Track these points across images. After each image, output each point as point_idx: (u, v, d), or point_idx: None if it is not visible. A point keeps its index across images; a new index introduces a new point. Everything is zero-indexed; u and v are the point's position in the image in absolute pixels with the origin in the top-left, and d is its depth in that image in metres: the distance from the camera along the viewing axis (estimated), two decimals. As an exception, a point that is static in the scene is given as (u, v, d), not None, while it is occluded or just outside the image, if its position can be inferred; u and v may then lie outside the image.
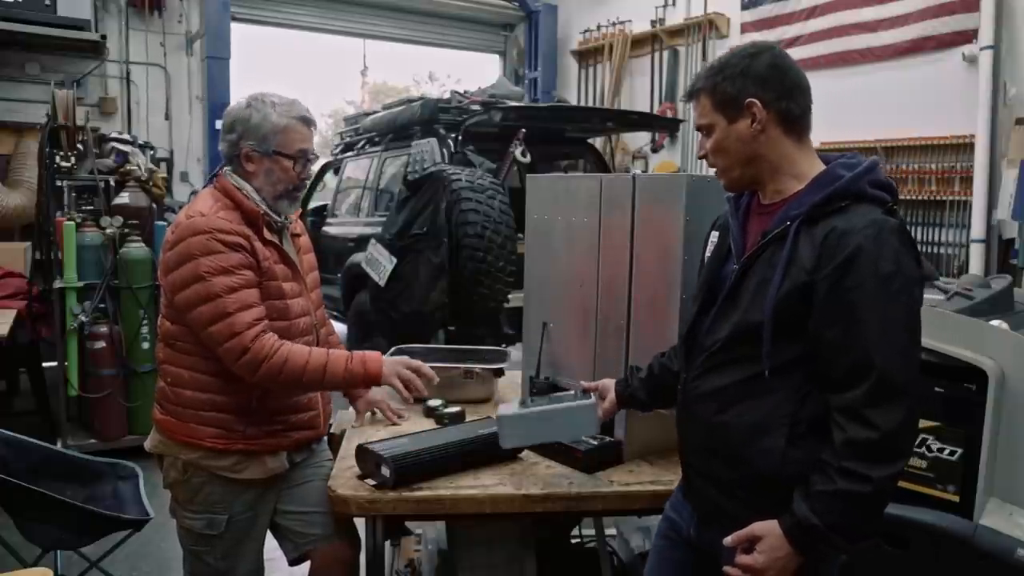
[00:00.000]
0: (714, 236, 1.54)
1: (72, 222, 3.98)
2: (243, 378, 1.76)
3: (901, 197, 5.87)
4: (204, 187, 1.93)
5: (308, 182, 1.98)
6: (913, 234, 6.21)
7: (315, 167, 2.11)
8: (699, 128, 1.44)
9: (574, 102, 8.77)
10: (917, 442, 1.95)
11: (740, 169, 1.40)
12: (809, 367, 1.30)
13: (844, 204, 1.28)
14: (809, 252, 1.27)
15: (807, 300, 1.27)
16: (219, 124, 6.64)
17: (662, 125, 6.96)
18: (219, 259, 1.71)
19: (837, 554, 1.38)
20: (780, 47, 1.44)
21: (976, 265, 5.33)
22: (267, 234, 1.83)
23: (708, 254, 1.54)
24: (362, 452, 1.76)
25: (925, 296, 2.47)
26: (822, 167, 1.37)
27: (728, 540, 1.33)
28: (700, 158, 1.49)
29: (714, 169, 1.45)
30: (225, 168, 1.88)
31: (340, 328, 5.08)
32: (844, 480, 1.22)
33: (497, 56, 10.25)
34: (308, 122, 1.88)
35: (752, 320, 1.33)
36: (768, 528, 1.29)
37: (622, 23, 8.48)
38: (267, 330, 1.75)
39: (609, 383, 1.77)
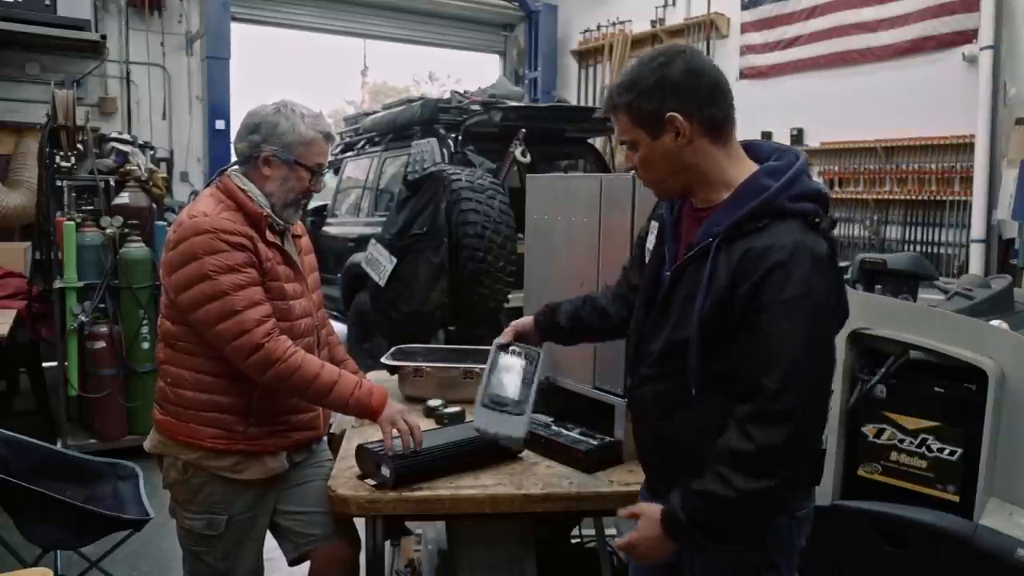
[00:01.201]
0: (654, 226, 1.53)
1: (72, 222, 3.98)
2: (249, 377, 1.75)
3: (901, 197, 5.89)
4: (205, 187, 1.93)
5: (315, 194, 1.99)
6: (914, 234, 6.22)
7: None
8: (622, 143, 1.42)
9: (574, 102, 8.76)
10: (917, 442, 1.96)
11: (669, 180, 1.39)
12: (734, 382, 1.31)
13: (763, 223, 1.27)
14: (726, 272, 1.28)
15: (730, 316, 1.28)
16: (219, 124, 6.62)
17: (662, 125, 6.94)
18: (224, 257, 1.71)
19: (710, 549, 1.36)
20: (690, 50, 1.39)
21: (976, 265, 5.33)
22: (269, 236, 1.84)
23: (649, 247, 1.53)
24: (362, 452, 1.76)
25: (925, 296, 2.48)
26: (752, 168, 1.35)
27: (622, 511, 1.38)
28: (628, 171, 1.48)
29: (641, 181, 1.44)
30: (233, 168, 1.87)
31: (340, 328, 5.10)
32: (713, 482, 1.25)
33: (497, 56, 10.25)
34: (330, 138, 1.91)
35: (681, 337, 1.34)
36: (651, 510, 1.34)
37: (622, 23, 8.47)
38: (278, 330, 1.75)
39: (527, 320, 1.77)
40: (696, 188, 1.38)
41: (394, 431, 1.76)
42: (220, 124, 7.70)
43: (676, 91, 1.31)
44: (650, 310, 1.45)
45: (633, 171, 1.43)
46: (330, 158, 6.95)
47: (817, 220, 1.27)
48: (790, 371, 1.21)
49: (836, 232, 6.34)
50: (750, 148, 1.42)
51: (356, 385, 1.81)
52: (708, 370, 1.32)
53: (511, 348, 1.75)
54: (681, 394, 1.36)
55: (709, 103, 1.33)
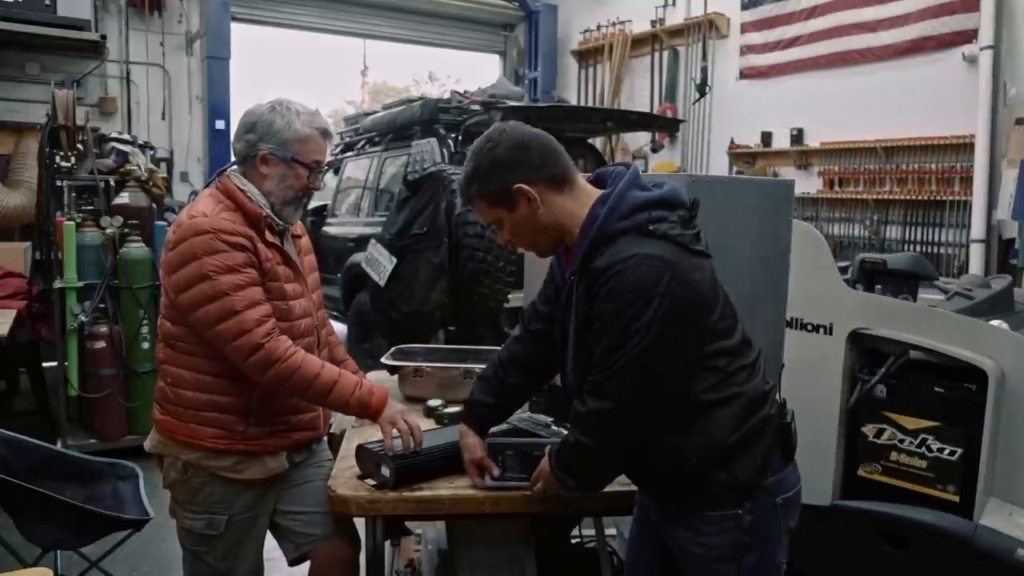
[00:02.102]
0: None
1: (72, 222, 3.98)
2: (249, 377, 1.75)
3: (901, 197, 5.90)
4: (205, 187, 1.92)
5: (315, 192, 1.99)
6: (914, 234, 6.21)
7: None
8: (488, 225, 1.58)
9: (574, 102, 8.77)
10: (917, 442, 1.96)
11: (541, 241, 1.54)
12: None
13: (601, 251, 1.40)
14: (582, 294, 1.42)
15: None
16: (219, 124, 6.62)
17: (662, 125, 6.96)
18: (224, 258, 1.71)
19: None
20: (510, 127, 1.52)
21: (976, 265, 5.33)
22: (269, 236, 1.83)
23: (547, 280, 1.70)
24: (362, 452, 1.76)
25: (925, 296, 2.48)
26: (594, 197, 1.46)
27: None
28: (504, 244, 1.61)
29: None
30: (232, 168, 1.87)
31: (340, 328, 5.10)
32: (569, 433, 1.49)
33: (497, 56, 10.25)
34: (327, 135, 1.89)
35: (578, 371, 1.48)
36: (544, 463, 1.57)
37: (622, 23, 8.48)
38: (278, 330, 1.75)
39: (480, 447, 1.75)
40: (563, 237, 1.51)
41: (394, 431, 1.76)
42: (220, 124, 7.71)
43: (510, 167, 1.46)
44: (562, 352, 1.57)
45: (508, 244, 1.59)
46: (330, 158, 6.97)
47: (651, 227, 1.38)
48: (612, 367, 1.36)
49: (834, 231, 6.23)
50: (598, 178, 1.55)
51: (356, 385, 1.81)
52: None
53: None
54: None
55: (544, 165, 1.47)
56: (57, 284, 3.96)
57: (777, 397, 1.52)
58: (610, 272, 1.35)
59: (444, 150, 4.76)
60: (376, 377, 2.40)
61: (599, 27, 8.78)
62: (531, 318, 1.74)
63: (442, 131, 4.93)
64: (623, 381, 1.37)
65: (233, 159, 1.89)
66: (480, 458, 1.70)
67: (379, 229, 4.75)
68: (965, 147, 5.49)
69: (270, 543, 1.97)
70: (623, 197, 1.42)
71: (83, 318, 3.95)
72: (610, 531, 2.53)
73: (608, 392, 1.39)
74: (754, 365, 1.48)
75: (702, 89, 7.45)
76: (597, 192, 1.48)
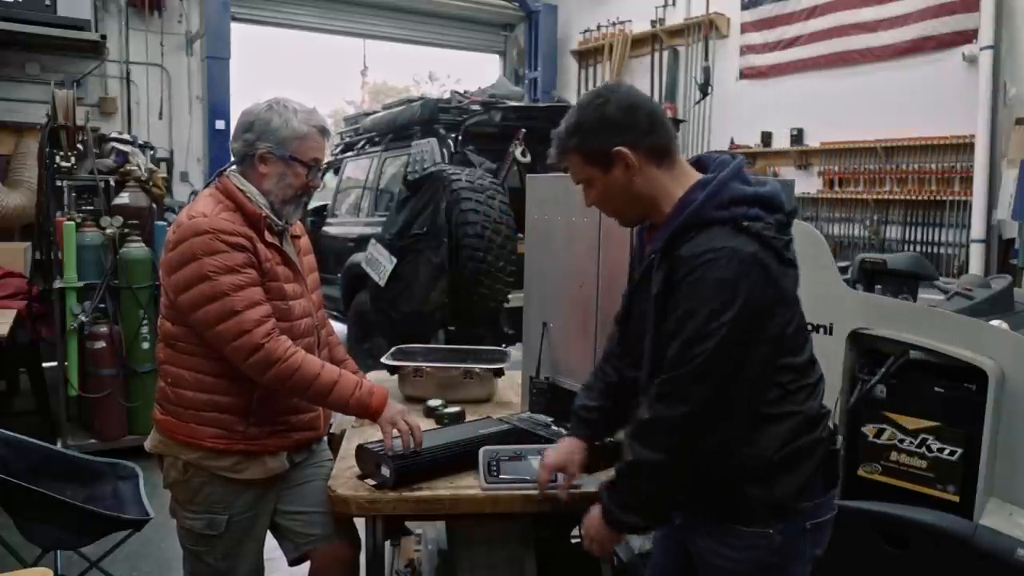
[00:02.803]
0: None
1: (72, 222, 3.98)
2: (249, 377, 1.75)
3: (901, 197, 5.90)
4: (204, 187, 1.92)
5: (315, 190, 1.98)
6: (914, 234, 6.22)
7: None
8: (577, 183, 1.50)
9: (574, 102, 8.74)
10: (917, 442, 1.96)
11: (627, 210, 1.48)
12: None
13: (691, 235, 1.34)
14: (661, 280, 1.37)
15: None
16: (219, 124, 6.62)
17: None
18: (224, 258, 1.71)
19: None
20: (624, 87, 1.49)
21: (976, 265, 5.34)
22: (268, 236, 1.83)
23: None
24: (362, 452, 1.76)
25: (925, 296, 2.48)
26: (694, 179, 1.41)
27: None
28: (588, 206, 1.55)
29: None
30: (231, 169, 1.87)
31: (340, 328, 5.09)
32: (628, 452, 1.39)
33: (497, 56, 10.25)
34: (325, 132, 1.89)
35: (652, 358, 1.42)
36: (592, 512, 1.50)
37: (622, 23, 8.48)
38: (278, 331, 1.75)
39: (571, 453, 1.65)
40: (651, 212, 1.45)
41: (394, 431, 1.76)
42: (220, 124, 7.71)
43: (617, 127, 1.39)
44: (622, 321, 1.54)
45: (592, 206, 1.52)
46: (330, 158, 6.96)
47: (746, 224, 1.32)
48: (689, 360, 1.29)
49: (834, 231, 6.21)
50: (699, 162, 1.49)
51: (356, 385, 1.81)
52: None
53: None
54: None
55: (650, 133, 1.40)
56: (57, 284, 3.96)
57: (830, 424, 1.47)
58: (698, 261, 1.29)
59: (444, 150, 4.76)
60: (376, 377, 2.40)
61: (599, 27, 8.78)
62: (619, 311, 1.68)
63: (442, 131, 4.93)
64: (699, 380, 1.29)
65: (232, 159, 1.89)
66: (556, 463, 1.62)
67: (379, 229, 4.74)
68: (965, 147, 5.49)
69: (270, 543, 1.97)
70: (725, 186, 1.36)
71: (83, 318, 3.95)
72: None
73: (681, 393, 1.31)
74: (815, 386, 1.43)
75: (704, 89, 7.44)
76: (696, 175, 1.42)
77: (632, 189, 1.42)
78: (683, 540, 1.55)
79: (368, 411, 1.82)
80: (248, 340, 1.70)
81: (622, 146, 1.38)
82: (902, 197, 5.94)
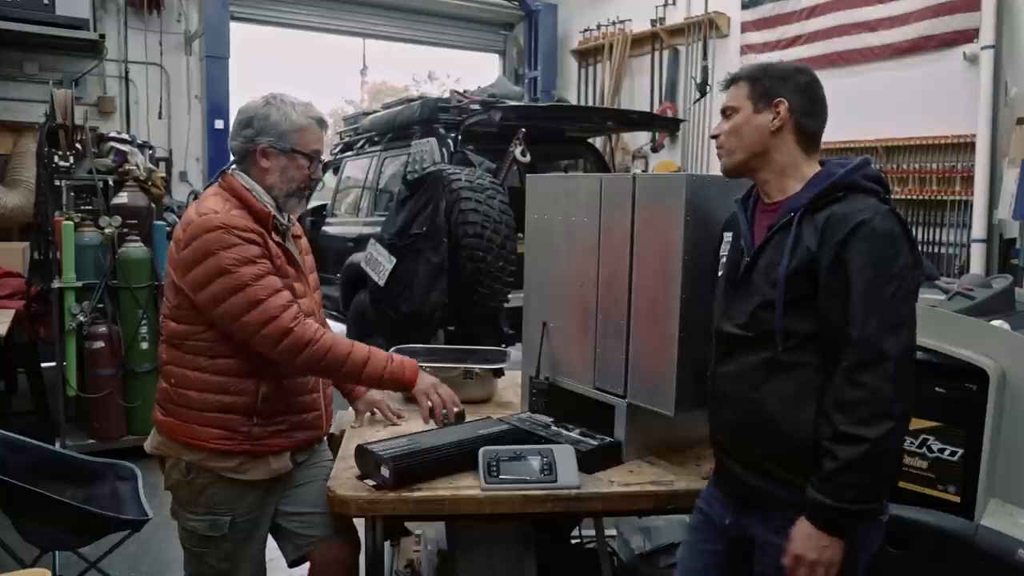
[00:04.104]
0: (727, 236, 1.62)
1: (71, 222, 3.97)
2: (280, 363, 1.77)
3: (902, 197, 5.89)
4: (207, 186, 1.92)
5: (317, 183, 1.99)
6: (914, 234, 6.22)
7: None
8: (723, 110, 1.55)
9: (574, 102, 8.76)
10: (918, 442, 1.95)
11: (744, 156, 1.51)
12: (823, 343, 1.39)
13: (841, 195, 1.41)
14: (812, 235, 1.39)
15: (813, 277, 1.38)
16: (218, 124, 6.63)
17: (662, 125, 6.95)
18: (239, 251, 1.72)
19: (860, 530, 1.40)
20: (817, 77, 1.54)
21: (977, 265, 5.33)
22: (274, 236, 1.84)
23: (724, 254, 1.61)
24: (362, 452, 1.76)
25: (926, 296, 2.47)
26: (818, 169, 1.50)
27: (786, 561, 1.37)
28: (712, 137, 1.58)
29: (719, 150, 1.55)
30: (233, 167, 1.87)
31: (339, 328, 5.09)
32: (843, 447, 1.30)
33: (497, 56, 10.24)
34: (323, 124, 1.91)
35: (765, 301, 1.43)
36: (799, 529, 1.36)
37: (622, 22, 8.47)
38: (303, 314, 1.76)
39: None
40: (769, 179, 1.51)
41: (428, 402, 1.83)
42: (219, 124, 7.69)
43: (795, 89, 1.48)
44: (731, 290, 1.53)
45: (715, 138, 1.56)
46: (330, 158, 6.96)
47: (886, 198, 1.42)
48: (881, 316, 1.30)
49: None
50: (821, 163, 1.55)
51: (388, 359, 1.85)
52: (792, 333, 1.41)
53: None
54: (765, 367, 1.44)
55: (810, 114, 1.49)
56: (56, 284, 3.96)
57: None
58: (862, 215, 1.34)
59: (444, 150, 4.76)
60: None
61: (599, 26, 8.77)
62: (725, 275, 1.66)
63: (442, 131, 4.92)
64: (897, 323, 1.31)
65: (232, 158, 1.89)
66: None
67: (378, 229, 4.74)
68: (966, 147, 5.48)
69: (270, 544, 1.97)
70: (864, 166, 1.45)
71: (82, 318, 3.95)
72: (610, 531, 2.53)
73: (883, 347, 1.29)
74: None
75: (703, 89, 7.44)
76: (819, 167, 1.50)
77: (763, 138, 1.48)
78: (721, 547, 1.55)
79: (402, 383, 1.86)
80: (276, 326, 1.70)
81: (788, 102, 1.46)
82: (903, 197, 5.93)
